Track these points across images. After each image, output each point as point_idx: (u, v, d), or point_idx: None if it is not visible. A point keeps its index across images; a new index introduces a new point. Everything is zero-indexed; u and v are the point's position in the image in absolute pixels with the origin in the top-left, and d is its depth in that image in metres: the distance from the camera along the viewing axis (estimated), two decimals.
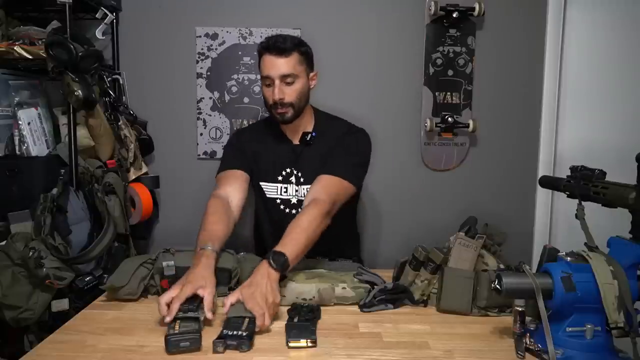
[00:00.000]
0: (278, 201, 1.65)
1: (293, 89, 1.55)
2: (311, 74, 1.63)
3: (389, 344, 1.09)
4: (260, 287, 1.17)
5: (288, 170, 1.65)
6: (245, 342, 1.03)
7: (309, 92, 1.63)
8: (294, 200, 1.65)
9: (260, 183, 1.67)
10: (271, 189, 1.66)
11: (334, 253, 1.54)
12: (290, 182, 1.65)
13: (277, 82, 1.53)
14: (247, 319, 1.10)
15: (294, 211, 1.63)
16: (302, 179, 1.63)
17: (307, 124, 1.68)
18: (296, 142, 1.65)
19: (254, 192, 1.72)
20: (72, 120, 1.68)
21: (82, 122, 1.74)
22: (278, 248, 1.27)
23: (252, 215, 1.89)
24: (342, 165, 1.54)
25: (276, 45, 1.52)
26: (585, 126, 2.17)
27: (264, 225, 1.74)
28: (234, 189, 1.56)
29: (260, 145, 1.68)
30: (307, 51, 1.60)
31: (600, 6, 2.14)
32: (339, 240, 1.60)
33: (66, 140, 1.71)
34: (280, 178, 1.65)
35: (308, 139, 1.62)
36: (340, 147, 1.59)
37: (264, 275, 1.20)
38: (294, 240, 1.30)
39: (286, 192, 1.65)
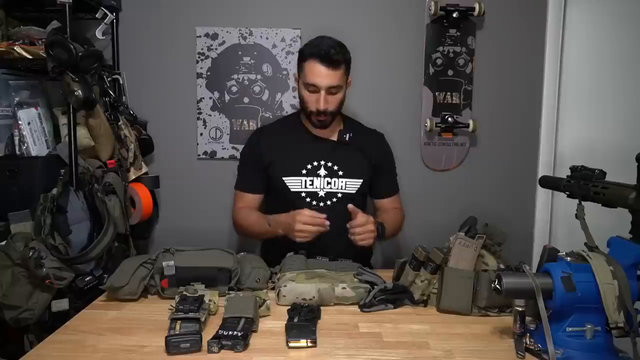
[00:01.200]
0: (303, 194, 1.69)
1: (336, 98, 1.63)
2: (348, 80, 1.69)
3: (389, 344, 1.09)
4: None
5: (315, 163, 1.69)
6: (240, 342, 1.03)
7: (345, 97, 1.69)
8: (321, 194, 1.69)
9: (283, 178, 1.69)
10: (295, 182, 1.69)
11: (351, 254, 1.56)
12: (318, 175, 1.69)
13: (323, 92, 1.59)
14: (243, 319, 1.09)
15: (321, 204, 1.68)
16: (339, 172, 1.70)
17: (337, 123, 1.74)
18: (325, 136, 1.72)
19: (273, 191, 1.75)
20: (72, 120, 1.68)
21: (82, 122, 1.74)
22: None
23: None
24: (396, 182, 1.87)
25: (329, 56, 1.56)
26: (586, 126, 2.17)
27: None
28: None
29: (282, 142, 1.74)
30: (350, 59, 1.66)
31: (600, 6, 2.14)
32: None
33: (66, 140, 1.71)
34: (304, 171, 1.69)
35: (347, 138, 1.71)
36: (387, 163, 1.82)
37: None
38: (388, 224, 1.68)
39: (312, 184, 1.69)
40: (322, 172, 1.69)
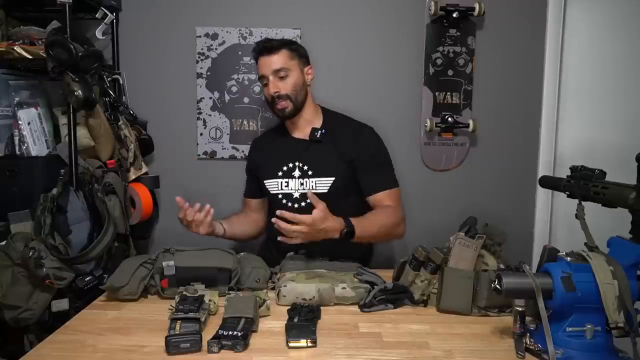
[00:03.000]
0: (280, 196, 1.70)
1: (287, 82, 1.64)
2: (306, 68, 1.71)
3: (389, 344, 1.09)
4: (323, 227, 1.38)
5: (290, 165, 1.70)
6: (240, 343, 1.03)
7: (305, 86, 1.71)
8: (296, 195, 1.69)
9: (265, 181, 1.73)
10: (273, 185, 1.72)
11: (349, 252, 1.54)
12: (293, 177, 1.70)
13: (271, 78, 1.64)
14: (243, 319, 1.10)
15: (296, 205, 1.68)
16: (309, 172, 1.68)
17: (314, 120, 1.75)
18: (301, 137, 1.72)
19: (265, 194, 1.79)
20: (72, 120, 1.68)
21: (82, 122, 1.74)
22: (353, 221, 1.45)
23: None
24: (389, 178, 1.70)
25: (264, 46, 1.65)
26: (586, 126, 2.17)
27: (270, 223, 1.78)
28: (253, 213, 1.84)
29: (266, 147, 1.80)
30: (297, 48, 1.70)
31: (600, 6, 2.14)
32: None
33: (66, 140, 1.71)
34: (280, 173, 1.71)
35: (318, 135, 1.69)
36: (365, 156, 1.67)
37: (334, 225, 1.41)
38: (367, 220, 1.51)
39: (287, 186, 1.70)
40: (297, 173, 1.70)
